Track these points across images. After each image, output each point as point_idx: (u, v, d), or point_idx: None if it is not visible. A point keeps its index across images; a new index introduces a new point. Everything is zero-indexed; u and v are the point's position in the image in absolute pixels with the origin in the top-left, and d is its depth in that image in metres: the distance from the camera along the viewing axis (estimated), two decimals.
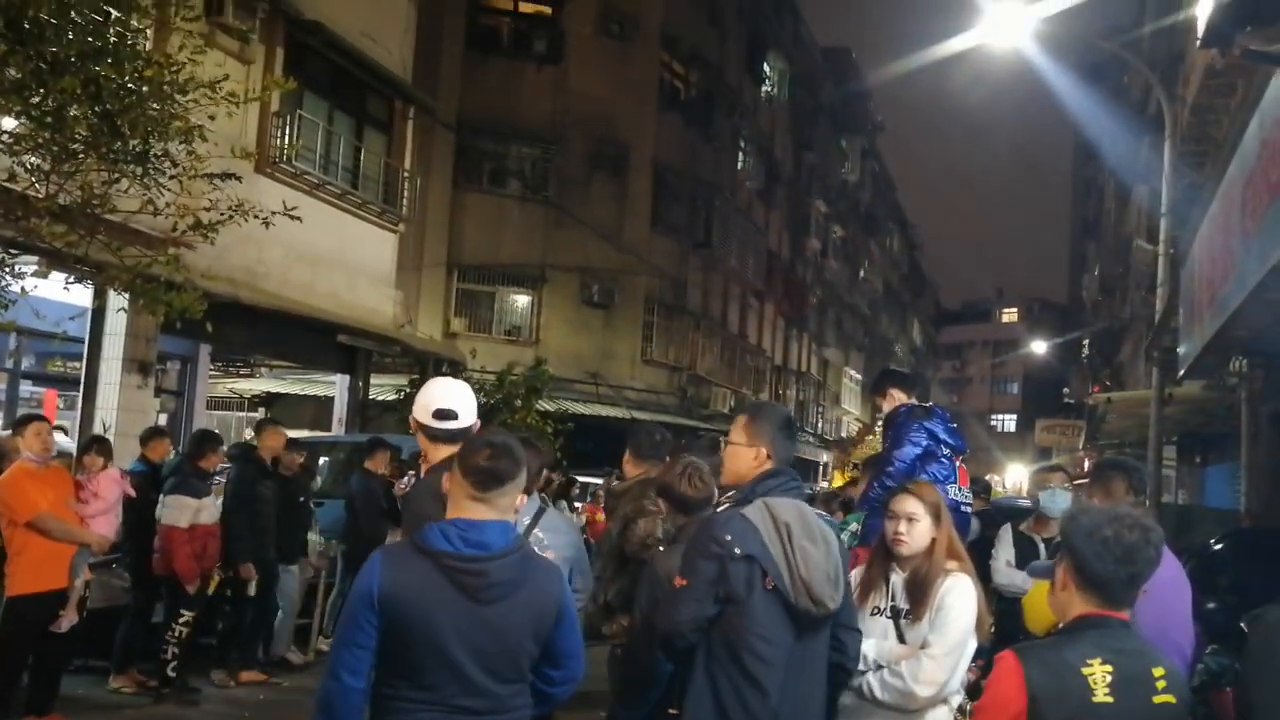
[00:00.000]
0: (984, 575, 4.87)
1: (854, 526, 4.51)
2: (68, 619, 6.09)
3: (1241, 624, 6.18)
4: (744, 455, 3.15)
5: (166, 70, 6.66)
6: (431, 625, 2.51)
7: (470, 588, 2.52)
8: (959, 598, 3.40)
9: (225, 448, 8.10)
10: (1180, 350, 10.97)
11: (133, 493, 7.02)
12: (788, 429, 3.22)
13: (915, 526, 3.52)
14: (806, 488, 4.62)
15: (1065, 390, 48.15)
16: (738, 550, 2.87)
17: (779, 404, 3.84)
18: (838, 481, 29.89)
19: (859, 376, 45.87)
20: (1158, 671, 2.28)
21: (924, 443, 4.52)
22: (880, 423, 4.96)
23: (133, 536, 7.30)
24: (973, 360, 79.86)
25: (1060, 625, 2.39)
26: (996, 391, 79.33)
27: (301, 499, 8.42)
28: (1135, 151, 23.23)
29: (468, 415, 3.52)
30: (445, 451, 3.53)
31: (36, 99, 6.02)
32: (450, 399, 3.52)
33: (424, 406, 3.49)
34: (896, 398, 4.77)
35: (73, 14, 6.15)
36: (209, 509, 7.29)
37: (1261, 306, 6.94)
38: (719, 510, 3.06)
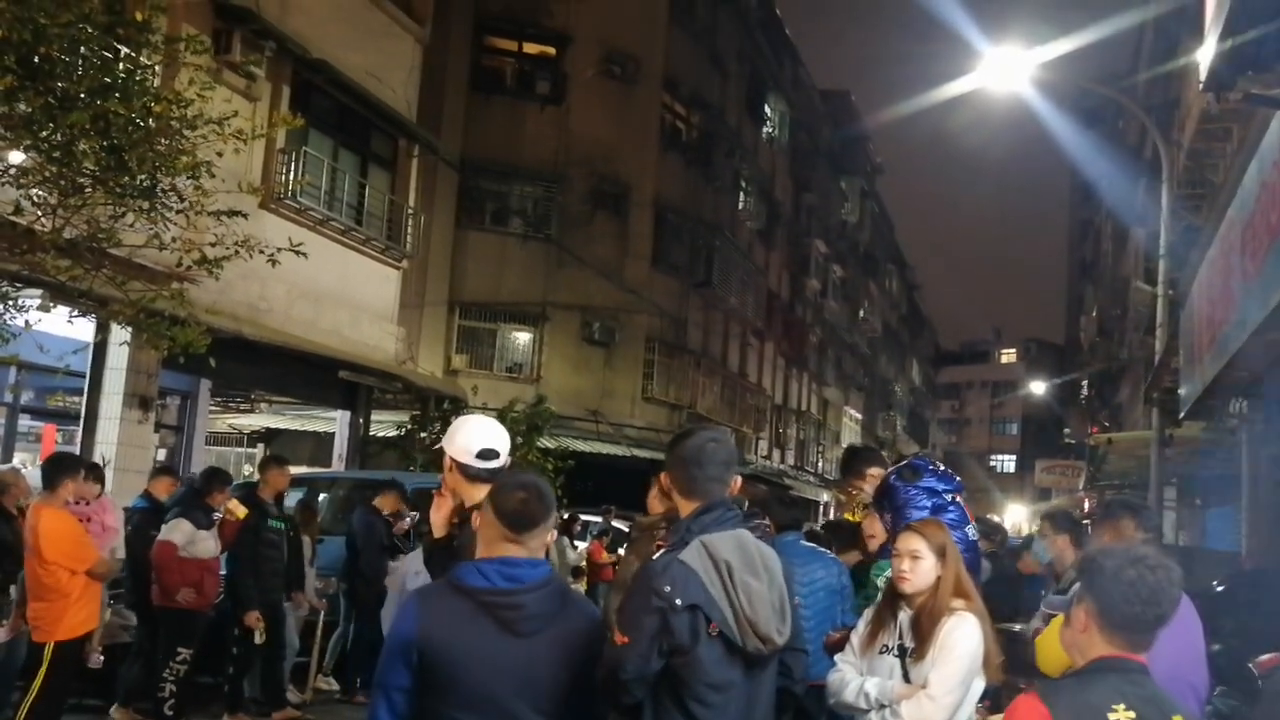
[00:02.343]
0: (994, 615, 4.83)
1: (888, 573, 4.49)
2: (95, 654, 6.08)
3: (1250, 665, 6.16)
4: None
5: (175, 106, 6.72)
6: (472, 662, 2.53)
7: (508, 621, 2.55)
8: (961, 637, 3.39)
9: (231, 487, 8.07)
10: (1181, 392, 10.99)
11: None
12: (698, 460, 2.96)
13: (919, 564, 3.52)
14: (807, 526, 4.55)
15: (1066, 430, 48.11)
16: (679, 601, 2.72)
17: (697, 432, 3.38)
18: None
19: (859, 416, 45.84)
20: (1176, 719, 2.27)
21: (927, 504, 4.47)
22: (869, 502, 4.80)
23: (135, 573, 7.25)
24: (971, 401, 79.80)
25: (1078, 667, 2.36)
26: (995, 432, 79.15)
27: (291, 534, 8.33)
28: (1132, 194, 23.39)
29: (505, 454, 3.49)
30: (483, 491, 3.49)
31: (46, 133, 6.07)
32: (492, 438, 3.48)
33: (464, 447, 3.38)
34: (877, 475, 4.68)
35: (83, 50, 6.22)
36: (205, 542, 7.25)
37: (1262, 348, 6.96)
38: (655, 556, 2.90)
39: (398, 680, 2.56)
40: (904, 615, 3.54)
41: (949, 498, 4.53)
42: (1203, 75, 5.04)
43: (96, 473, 7.14)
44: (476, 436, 3.47)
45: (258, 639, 7.54)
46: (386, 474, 11.25)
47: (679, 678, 2.74)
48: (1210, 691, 4.45)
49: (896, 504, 4.42)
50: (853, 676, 3.57)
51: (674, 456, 3.00)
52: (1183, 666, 3.27)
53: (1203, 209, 14.32)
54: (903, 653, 3.49)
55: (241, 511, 7.27)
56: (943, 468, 4.64)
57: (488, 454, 3.43)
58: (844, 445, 43.65)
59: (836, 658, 3.74)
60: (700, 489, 2.93)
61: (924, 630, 3.45)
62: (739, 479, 3.03)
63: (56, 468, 6.01)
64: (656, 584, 2.74)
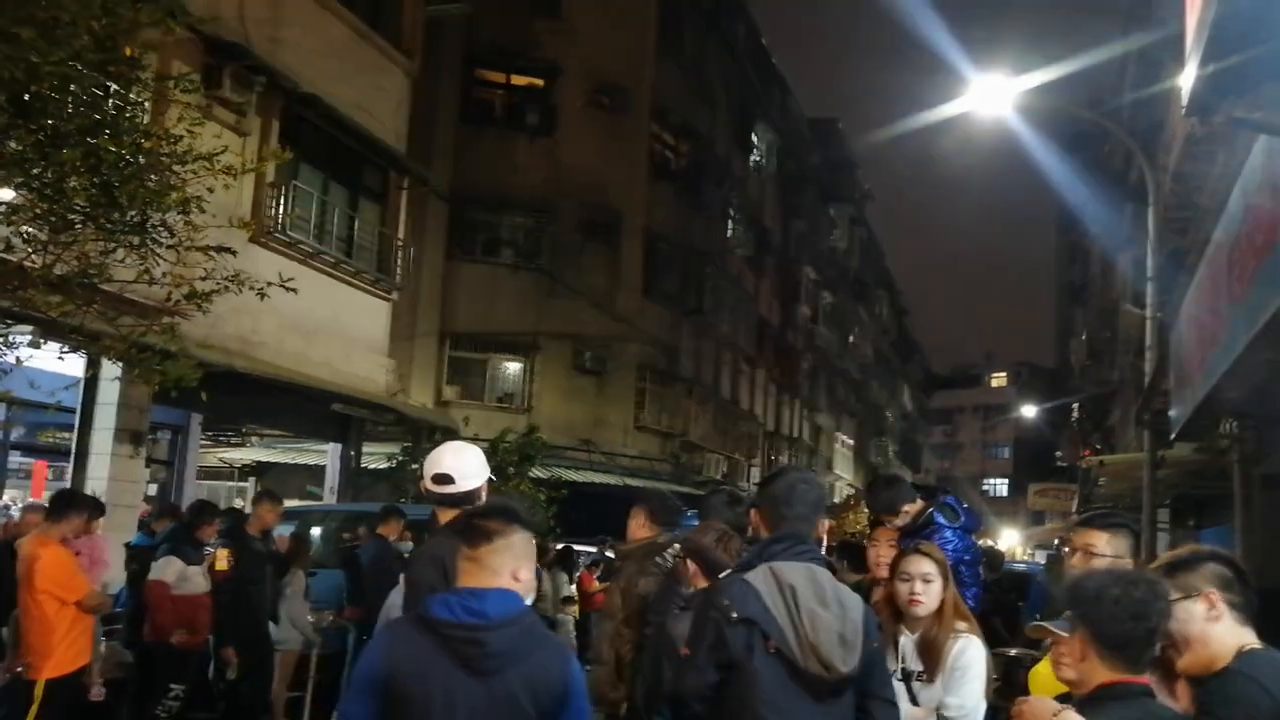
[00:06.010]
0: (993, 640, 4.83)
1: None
2: (97, 684, 6.04)
3: None
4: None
5: (165, 142, 6.74)
6: (432, 701, 2.43)
7: (467, 657, 2.44)
8: (974, 659, 3.42)
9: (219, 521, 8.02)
10: (1171, 413, 11.01)
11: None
12: (787, 500, 3.06)
13: (930, 587, 3.55)
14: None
15: (1058, 453, 48.14)
16: (734, 614, 2.80)
17: (788, 472, 3.44)
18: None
19: (851, 442, 45.85)
20: None
21: (959, 544, 4.42)
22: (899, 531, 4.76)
23: (137, 608, 7.20)
24: (963, 425, 79.87)
25: (1082, 696, 2.35)
26: (988, 456, 79.18)
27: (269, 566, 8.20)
28: (1118, 219, 23.54)
29: (468, 479, 3.49)
30: (448, 516, 3.51)
31: (37, 171, 6.08)
32: (446, 464, 3.50)
33: (426, 472, 3.48)
34: (911, 511, 4.62)
35: (74, 87, 6.24)
36: (195, 578, 7.20)
37: (1251, 369, 6.98)
38: (723, 575, 3.03)
39: (358, 712, 2.50)
40: (905, 639, 3.54)
41: (973, 538, 4.57)
42: (1185, 100, 5.09)
43: (100, 510, 7.12)
44: (435, 462, 3.50)
45: (229, 674, 7.46)
46: (378, 505, 11.15)
47: (738, 693, 2.79)
48: None
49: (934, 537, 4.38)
50: None
51: (764, 495, 3.11)
52: None
53: (1189, 231, 14.40)
54: (907, 676, 3.49)
55: (224, 565, 7.23)
56: (967, 505, 4.68)
57: (441, 479, 3.45)
58: (836, 471, 43.68)
59: None
60: (785, 528, 3.00)
61: (933, 653, 3.46)
62: (828, 523, 3.11)
63: (64, 503, 6.05)
64: (716, 599, 2.87)
